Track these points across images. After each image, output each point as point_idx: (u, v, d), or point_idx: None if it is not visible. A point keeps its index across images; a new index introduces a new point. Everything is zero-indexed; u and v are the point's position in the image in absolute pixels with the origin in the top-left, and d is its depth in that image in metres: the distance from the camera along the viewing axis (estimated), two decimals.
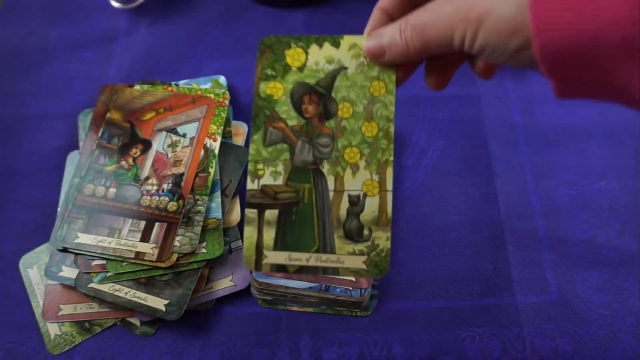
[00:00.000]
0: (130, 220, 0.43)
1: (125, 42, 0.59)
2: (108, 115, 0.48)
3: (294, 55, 0.31)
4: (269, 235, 0.30)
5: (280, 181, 0.31)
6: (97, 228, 0.43)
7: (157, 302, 0.41)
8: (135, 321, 0.43)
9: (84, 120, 0.49)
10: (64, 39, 0.59)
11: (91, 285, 0.41)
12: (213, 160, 0.45)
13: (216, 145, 0.46)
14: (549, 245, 0.45)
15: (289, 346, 0.42)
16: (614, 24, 0.21)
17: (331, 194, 0.30)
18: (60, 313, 0.42)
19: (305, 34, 0.33)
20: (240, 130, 0.49)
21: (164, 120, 0.48)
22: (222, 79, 0.52)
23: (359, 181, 0.30)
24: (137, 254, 0.42)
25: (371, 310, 0.43)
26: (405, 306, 0.43)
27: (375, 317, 0.43)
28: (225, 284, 0.43)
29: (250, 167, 0.31)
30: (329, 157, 0.30)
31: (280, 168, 0.31)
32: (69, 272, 0.42)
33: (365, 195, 0.30)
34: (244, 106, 0.53)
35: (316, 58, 0.31)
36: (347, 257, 0.30)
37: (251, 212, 0.31)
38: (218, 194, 0.44)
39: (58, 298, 0.43)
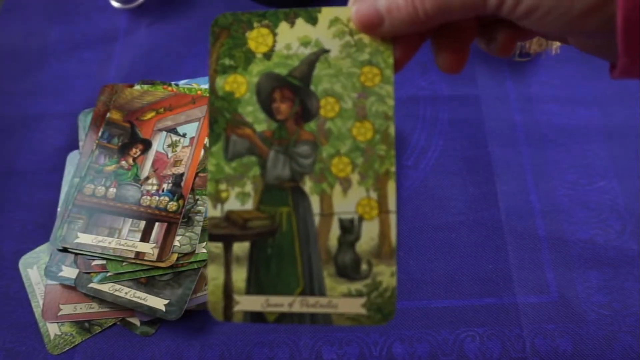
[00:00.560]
0: (130, 220, 0.43)
1: (125, 42, 0.59)
2: (108, 115, 0.48)
3: (257, 38, 0.24)
4: (240, 276, 0.24)
5: (249, 205, 0.24)
6: (97, 228, 0.43)
7: (157, 302, 0.41)
8: (135, 321, 0.43)
9: (84, 120, 0.49)
10: (64, 39, 0.59)
11: (91, 285, 0.41)
12: None
13: None
14: (549, 245, 0.45)
15: (289, 346, 0.42)
16: None
17: (317, 218, 0.23)
18: (60, 313, 0.42)
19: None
20: None
21: (164, 120, 0.48)
22: None
23: (352, 201, 0.23)
24: (137, 253, 0.42)
25: None
26: (405, 306, 0.43)
27: None
28: None
29: (209, 187, 0.24)
30: (311, 170, 0.24)
31: (248, 188, 0.24)
32: (69, 272, 0.42)
33: (361, 218, 0.23)
34: None
35: (287, 40, 0.24)
36: (341, 300, 0.23)
37: (215, 247, 0.24)
38: None
39: (58, 298, 0.43)
